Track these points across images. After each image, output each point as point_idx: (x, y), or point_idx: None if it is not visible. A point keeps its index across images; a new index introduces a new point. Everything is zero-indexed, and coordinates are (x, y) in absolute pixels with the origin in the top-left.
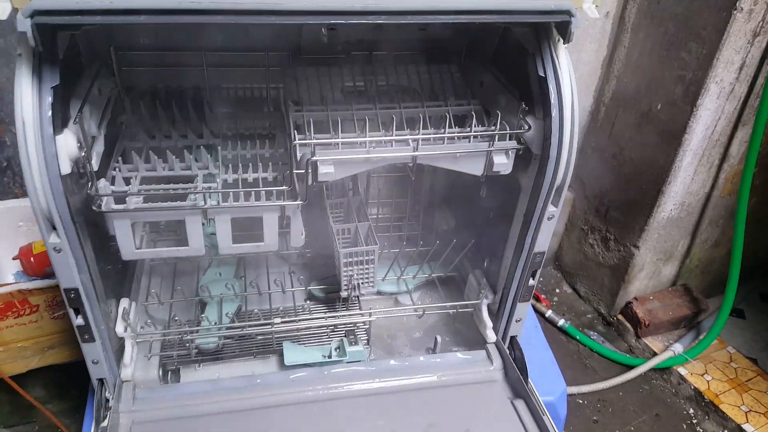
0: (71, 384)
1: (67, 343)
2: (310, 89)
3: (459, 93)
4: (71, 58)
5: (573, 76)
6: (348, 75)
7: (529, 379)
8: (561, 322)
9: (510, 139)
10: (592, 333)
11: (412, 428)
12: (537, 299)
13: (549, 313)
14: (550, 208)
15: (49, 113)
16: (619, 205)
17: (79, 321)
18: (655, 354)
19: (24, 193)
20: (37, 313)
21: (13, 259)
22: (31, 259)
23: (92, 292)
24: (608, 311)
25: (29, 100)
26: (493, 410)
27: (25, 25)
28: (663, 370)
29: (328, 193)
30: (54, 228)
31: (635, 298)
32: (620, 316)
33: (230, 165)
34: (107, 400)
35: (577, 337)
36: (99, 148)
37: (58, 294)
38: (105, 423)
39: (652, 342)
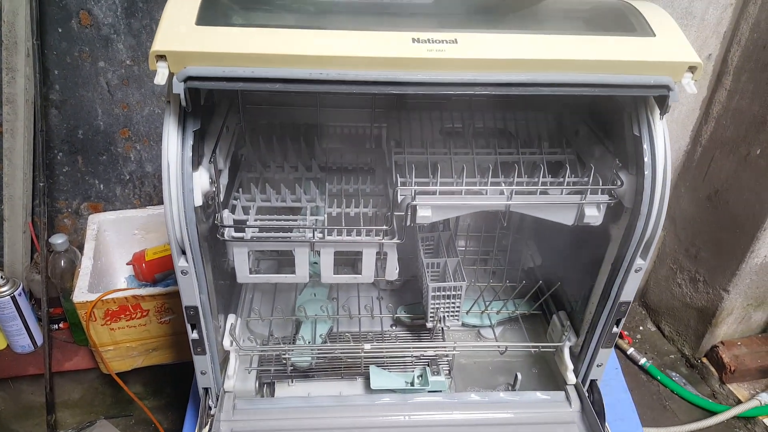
0: (166, 384)
1: (169, 346)
2: (411, 129)
3: (554, 140)
4: (207, 102)
5: (667, 139)
6: (447, 117)
7: (606, 424)
8: (642, 361)
9: (602, 193)
10: (674, 374)
11: None
12: (620, 336)
13: (631, 350)
14: (638, 261)
15: (190, 154)
16: (711, 247)
17: (194, 336)
18: (740, 402)
19: (142, 204)
20: (146, 317)
21: (127, 264)
22: (143, 265)
23: (208, 310)
24: (692, 353)
25: (174, 143)
26: None
27: (179, 87)
28: (747, 419)
29: (420, 227)
30: (183, 253)
31: (722, 342)
32: (705, 360)
33: (335, 199)
34: (210, 408)
35: (658, 378)
36: (224, 180)
37: (166, 301)
38: (206, 429)
39: (737, 389)
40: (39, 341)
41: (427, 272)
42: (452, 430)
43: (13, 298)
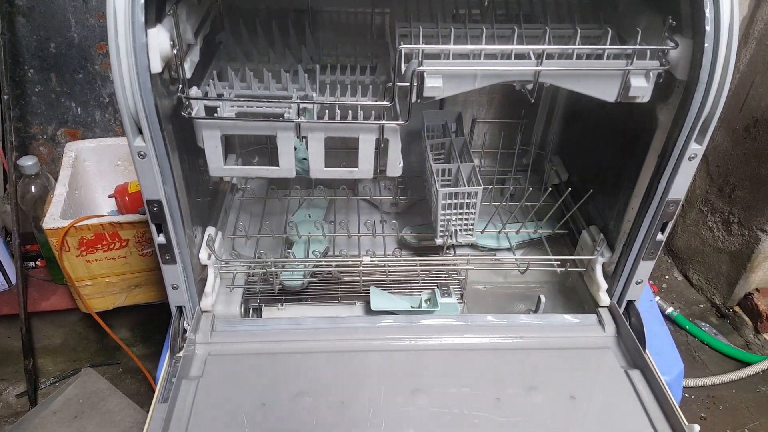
0: (155, 329)
1: (153, 282)
2: (420, 11)
3: (588, 18)
4: None
5: None
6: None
7: (647, 351)
8: (669, 310)
9: (652, 58)
10: (703, 324)
11: (509, 388)
12: None
13: (656, 299)
14: (693, 146)
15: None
16: (748, 184)
17: (160, 239)
18: None
19: (124, 132)
20: (126, 248)
21: (109, 196)
22: (126, 198)
23: (176, 209)
24: (723, 302)
25: None
26: (603, 379)
27: None
28: None
29: (428, 134)
30: (140, 132)
31: (757, 289)
32: (737, 308)
33: (328, 89)
34: (185, 331)
35: (687, 327)
36: (194, 57)
37: (148, 230)
38: (180, 353)
39: None
40: (14, 280)
41: (437, 179)
42: (466, 356)
43: None
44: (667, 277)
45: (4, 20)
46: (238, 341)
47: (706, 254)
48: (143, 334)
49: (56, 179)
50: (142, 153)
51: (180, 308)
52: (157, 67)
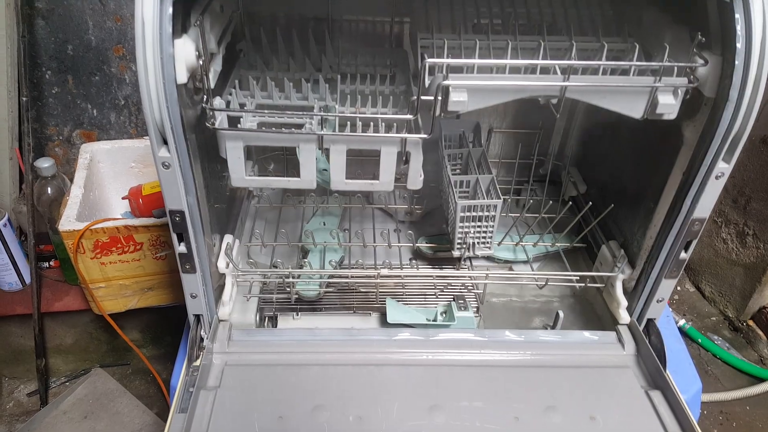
0: (165, 331)
1: (166, 285)
2: (440, 21)
3: (612, 31)
4: None
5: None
6: (484, 8)
7: (667, 371)
8: (681, 322)
9: (680, 75)
10: (716, 338)
11: (527, 407)
12: None
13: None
14: (721, 165)
15: (170, 10)
16: (764, 196)
17: (181, 248)
18: None
19: (139, 134)
20: (140, 252)
21: (123, 198)
22: (140, 200)
23: (197, 219)
24: (737, 315)
25: None
26: (623, 399)
27: None
28: None
29: (446, 144)
30: (165, 142)
31: None
32: (751, 322)
33: (348, 99)
34: (202, 339)
35: (699, 341)
36: (217, 66)
37: (162, 233)
38: (198, 362)
39: None
40: (28, 280)
41: (455, 191)
42: (484, 373)
43: None
44: (679, 288)
45: (24, 22)
46: (255, 351)
47: (719, 266)
48: (153, 336)
49: (71, 180)
50: (167, 164)
51: (197, 317)
52: (182, 77)
